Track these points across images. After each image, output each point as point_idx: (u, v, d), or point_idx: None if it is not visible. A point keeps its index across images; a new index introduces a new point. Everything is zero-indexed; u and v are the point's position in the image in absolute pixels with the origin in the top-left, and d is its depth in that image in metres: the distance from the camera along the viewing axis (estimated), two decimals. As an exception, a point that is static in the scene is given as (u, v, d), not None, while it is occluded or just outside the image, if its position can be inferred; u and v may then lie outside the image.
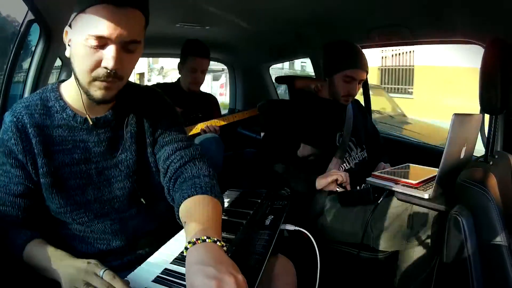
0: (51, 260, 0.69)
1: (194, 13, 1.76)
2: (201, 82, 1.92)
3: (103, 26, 0.67)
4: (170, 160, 0.85)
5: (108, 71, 0.70)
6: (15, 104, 0.80)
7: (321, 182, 1.32)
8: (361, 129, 1.59)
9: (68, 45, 0.75)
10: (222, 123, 1.94)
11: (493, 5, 1.19)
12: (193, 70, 1.86)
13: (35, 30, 1.57)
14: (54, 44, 1.63)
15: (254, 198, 1.04)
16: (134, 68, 0.78)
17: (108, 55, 0.69)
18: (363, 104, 1.86)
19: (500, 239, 0.89)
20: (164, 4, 1.58)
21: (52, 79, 1.88)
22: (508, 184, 1.11)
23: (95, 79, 0.72)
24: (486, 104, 1.13)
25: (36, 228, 0.79)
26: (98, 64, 0.71)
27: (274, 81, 2.79)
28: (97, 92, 0.74)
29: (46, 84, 1.63)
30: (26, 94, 1.64)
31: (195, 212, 0.71)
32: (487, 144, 1.14)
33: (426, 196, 1.08)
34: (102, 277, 0.62)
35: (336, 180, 1.32)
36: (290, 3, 1.56)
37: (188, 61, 1.86)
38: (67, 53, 0.75)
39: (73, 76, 0.78)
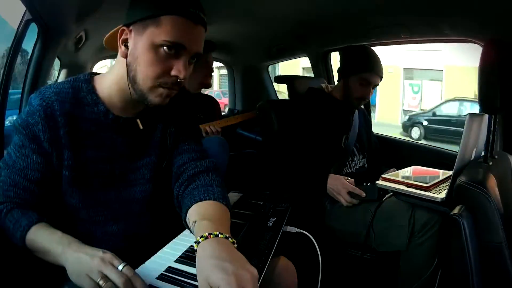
0: (57, 243, 0.65)
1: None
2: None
3: (184, 37, 0.70)
4: (184, 167, 0.85)
5: (178, 80, 0.72)
6: (43, 88, 0.76)
7: (328, 191, 1.35)
8: (365, 137, 1.62)
9: (125, 46, 0.73)
10: (224, 124, 1.93)
11: (492, 4, 1.19)
12: (207, 66, 1.80)
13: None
14: (52, 44, 1.62)
15: (256, 200, 1.04)
16: None
17: (181, 64, 0.71)
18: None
19: (500, 240, 0.89)
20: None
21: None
22: (508, 184, 1.11)
23: (160, 85, 0.72)
24: (485, 104, 1.13)
25: (45, 215, 0.74)
26: (168, 71, 0.71)
27: (273, 80, 2.78)
28: (157, 98, 0.74)
29: (44, 85, 1.62)
30: (25, 95, 1.63)
31: (206, 212, 0.71)
32: (487, 144, 1.14)
33: (439, 198, 1.08)
34: (121, 271, 0.58)
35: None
36: (289, 3, 1.56)
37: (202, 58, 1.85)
38: (122, 54, 0.74)
39: (116, 74, 0.76)
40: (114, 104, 0.78)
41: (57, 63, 2.02)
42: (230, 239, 0.62)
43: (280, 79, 2.00)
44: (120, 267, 0.59)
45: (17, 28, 1.47)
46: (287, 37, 2.12)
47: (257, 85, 2.83)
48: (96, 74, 0.82)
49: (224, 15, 1.82)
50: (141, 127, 0.80)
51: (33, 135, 0.73)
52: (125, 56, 0.74)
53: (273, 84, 2.84)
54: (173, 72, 0.71)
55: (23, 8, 1.41)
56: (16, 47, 1.49)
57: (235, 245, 0.62)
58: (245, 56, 2.70)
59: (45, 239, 0.67)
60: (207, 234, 0.61)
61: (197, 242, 0.61)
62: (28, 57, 1.64)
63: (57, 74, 2.12)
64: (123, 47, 0.74)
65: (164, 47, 0.70)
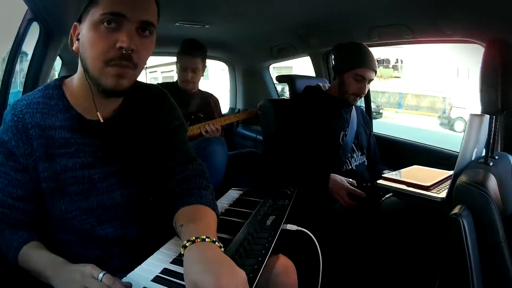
0: (45, 265, 0.67)
1: (194, 11, 1.75)
2: (191, 81, 1.86)
3: (121, 4, 0.66)
4: (172, 172, 0.84)
5: (123, 51, 0.66)
6: (16, 101, 0.75)
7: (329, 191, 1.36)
8: (363, 135, 1.63)
9: (77, 39, 0.72)
10: (224, 122, 1.93)
11: (493, 4, 1.18)
12: (182, 68, 1.85)
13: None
14: (54, 42, 1.63)
15: (256, 198, 1.04)
16: (147, 58, 0.74)
17: (124, 35, 0.66)
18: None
19: (500, 239, 0.89)
20: (162, 2, 1.57)
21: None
22: (508, 184, 1.11)
23: (108, 63, 0.68)
24: (486, 105, 1.13)
25: (35, 231, 0.76)
26: (112, 46, 0.67)
27: (275, 80, 2.78)
28: (109, 80, 0.69)
29: (45, 83, 1.63)
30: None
31: (193, 217, 0.71)
32: (487, 145, 1.14)
33: (440, 198, 1.08)
34: (101, 281, 0.60)
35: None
36: (291, 3, 1.56)
37: (178, 60, 1.87)
38: (74, 48, 0.73)
39: (78, 71, 0.75)
40: (84, 106, 0.76)
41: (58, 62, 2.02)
42: (217, 243, 0.62)
43: (282, 78, 2.00)
44: (99, 277, 0.60)
45: (19, 27, 1.48)
46: (288, 37, 2.12)
47: (258, 84, 2.83)
48: (68, 76, 0.80)
49: (226, 15, 1.82)
50: (102, 120, 0.74)
51: (9, 152, 0.73)
52: (78, 50, 0.72)
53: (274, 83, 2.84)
54: (117, 45, 0.66)
55: (25, 7, 1.41)
56: (17, 46, 1.50)
57: (222, 248, 0.62)
58: (246, 55, 2.70)
59: (35, 261, 0.69)
60: (193, 238, 0.61)
61: (184, 247, 0.61)
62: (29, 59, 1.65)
63: (59, 73, 2.13)
64: (76, 42, 0.72)
65: (104, 23, 0.66)
